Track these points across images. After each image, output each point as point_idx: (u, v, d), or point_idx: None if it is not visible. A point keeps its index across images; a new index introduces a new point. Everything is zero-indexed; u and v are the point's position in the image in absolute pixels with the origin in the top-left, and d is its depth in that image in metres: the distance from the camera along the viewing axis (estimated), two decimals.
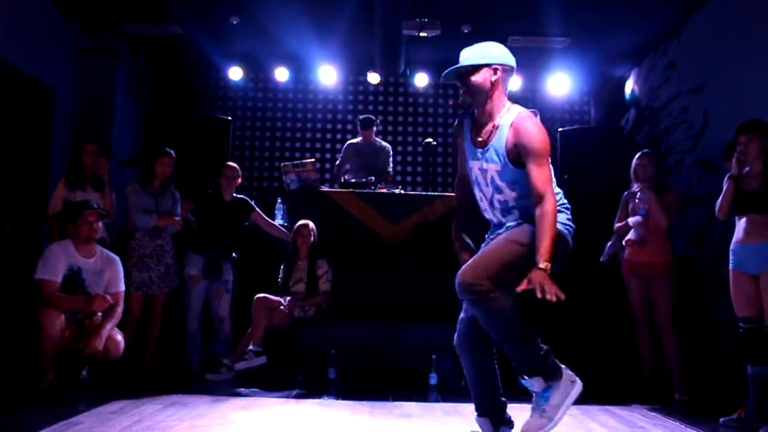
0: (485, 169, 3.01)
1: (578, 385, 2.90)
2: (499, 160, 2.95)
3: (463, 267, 2.88)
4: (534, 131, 2.88)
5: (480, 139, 3.03)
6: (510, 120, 2.94)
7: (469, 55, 3.00)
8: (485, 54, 2.98)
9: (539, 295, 2.72)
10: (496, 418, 3.10)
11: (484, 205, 3.15)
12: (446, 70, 3.00)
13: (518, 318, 2.83)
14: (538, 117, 3.11)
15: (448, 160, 8.35)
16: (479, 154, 3.02)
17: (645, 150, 5.17)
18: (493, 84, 2.96)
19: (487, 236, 3.22)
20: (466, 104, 3.07)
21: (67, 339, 4.39)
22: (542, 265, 2.77)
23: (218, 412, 3.93)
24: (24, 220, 5.55)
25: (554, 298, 2.72)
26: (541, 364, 2.85)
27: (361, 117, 7.15)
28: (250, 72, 8.04)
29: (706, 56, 5.90)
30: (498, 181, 2.99)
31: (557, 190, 3.02)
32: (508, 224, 3.08)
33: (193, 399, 4.27)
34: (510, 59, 3.02)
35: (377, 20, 6.24)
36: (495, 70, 2.96)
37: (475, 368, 3.11)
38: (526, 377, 2.87)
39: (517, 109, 2.99)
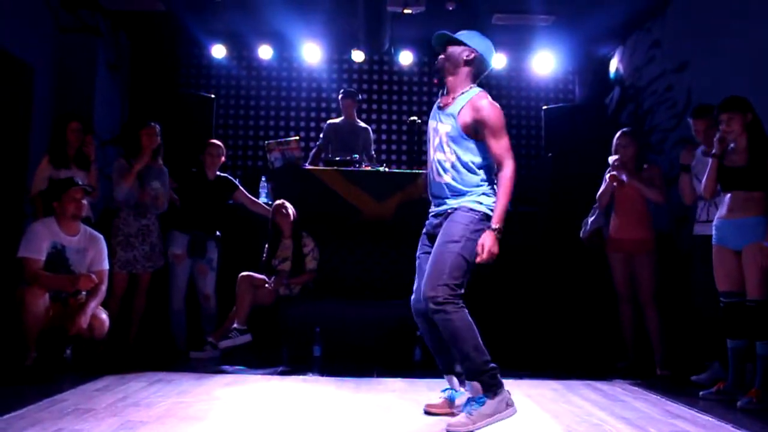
0: (437, 129, 3.36)
1: (512, 411, 3.19)
2: (452, 123, 3.27)
3: (423, 280, 3.22)
4: (489, 108, 3.21)
5: (442, 104, 3.39)
6: (469, 96, 3.27)
7: (463, 33, 3.35)
8: (475, 39, 3.34)
9: (482, 256, 3.10)
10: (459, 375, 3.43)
11: (429, 164, 3.44)
12: (439, 32, 3.34)
13: (471, 327, 3.14)
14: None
15: None
16: (438, 115, 3.39)
17: (625, 129, 5.20)
18: (466, 62, 3.32)
19: (430, 214, 3.45)
20: (440, 69, 3.39)
21: (51, 317, 4.36)
22: (495, 226, 3.14)
23: (203, 388, 3.95)
24: (5, 198, 5.49)
25: (485, 258, 3.11)
26: (483, 373, 3.12)
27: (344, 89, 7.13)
28: (233, 50, 7.96)
29: (690, 34, 5.92)
30: (444, 141, 3.29)
31: (485, 176, 3.31)
32: (441, 207, 3.33)
33: (178, 376, 4.29)
34: (489, 54, 3.38)
35: None
36: (473, 53, 3.32)
37: (434, 335, 3.39)
38: (467, 381, 3.19)
39: (477, 89, 3.32)
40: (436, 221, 3.35)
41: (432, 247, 3.31)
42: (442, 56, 3.34)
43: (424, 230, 3.47)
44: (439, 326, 3.14)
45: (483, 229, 3.17)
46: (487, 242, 3.10)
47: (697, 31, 5.79)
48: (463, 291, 3.17)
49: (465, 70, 3.33)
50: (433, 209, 3.42)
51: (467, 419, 3.08)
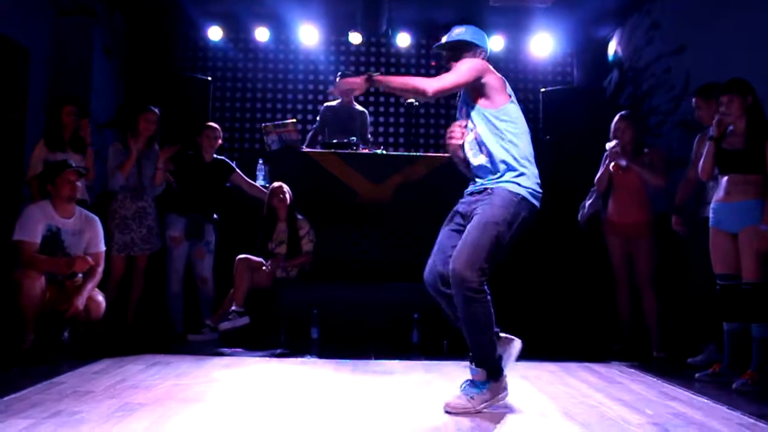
0: (467, 125, 3.36)
1: (506, 393, 3.20)
2: (468, 98, 3.33)
3: (454, 255, 3.09)
4: (467, 59, 3.28)
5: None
6: None
7: (460, 32, 3.36)
8: (481, 37, 3.37)
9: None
10: None
11: (469, 150, 3.35)
12: (448, 39, 3.36)
13: (491, 318, 3.09)
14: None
15: (431, 120, 8.33)
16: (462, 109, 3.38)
17: (623, 113, 5.17)
18: None
19: (466, 193, 3.38)
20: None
21: (47, 300, 4.37)
22: (376, 77, 3.14)
23: (201, 371, 3.96)
24: (2, 181, 5.47)
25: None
26: (491, 361, 3.14)
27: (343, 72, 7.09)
28: (229, 32, 7.92)
29: (689, 16, 5.89)
30: (471, 118, 3.31)
31: (533, 169, 3.26)
32: (482, 183, 3.26)
33: (176, 359, 4.30)
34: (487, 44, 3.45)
35: None
36: (483, 53, 3.37)
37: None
38: (473, 365, 3.15)
39: None
40: (472, 199, 3.27)
41: (464, 226, 3.24)
42: (454, 60, 3.33)
43: (457, 208, 3.36)
44: (462, 310, 3.06)
45: (520, 213, 3.14)
46: (357, 81, 3.14)
47: (696, 12, 5.76)
48: (488, 275, 3.08)
49: None
50: (470, 188, 3.35)
51: (468, 402, 3.09)
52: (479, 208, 3.17)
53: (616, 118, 5.09)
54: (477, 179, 3.30)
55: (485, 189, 3.21)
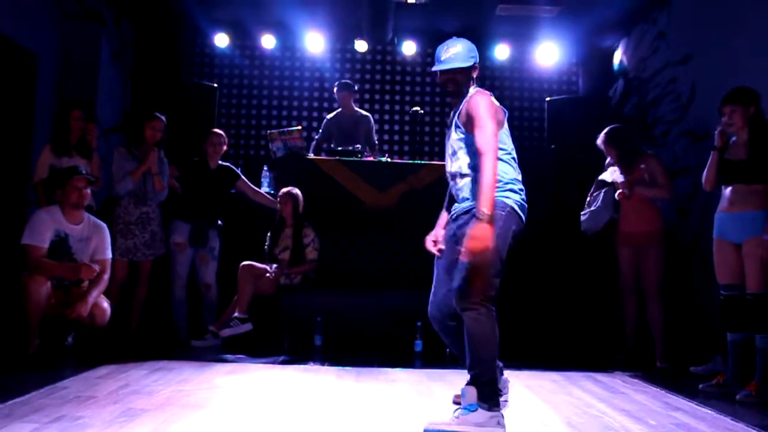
0: (449, 138, 3.33)
1: (501, 429, 2.95)
2: (456, 126, 3.25)
3: (456, 285, 3.00)
4: (474, 98, 3.16)
5: (452, 116, 3.34)
6: (467, 98, 3.24)
7: (457, 53, 3.24)
8: (470, 54, 3.26)
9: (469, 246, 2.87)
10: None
11: (449, 174, 3.33)
12: (442, 66, 3.25)
13: (496, 336, 3.00)
14: (491, 96, 3.28)
15: (435, 129, 8.34)
16: (451, 126, 3.33)
17: (603, 132, 5.15)
18: (472, 79, 3.32)
19: (450, 214, 3.34)
20: (453, 94, 3.31)
21: (53, 305, 4.39)
22: (486, 212, 2.88)
23: (204, 377, 3.97)
24: (8, 185, 5.50)
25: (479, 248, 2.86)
26: (486, 386, 2.98)
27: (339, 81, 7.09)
28: (236, 39, 7.96)
29: (695, 26, 5.89)
30: (456, 149, 3.24)
31: (521, 185, 3.20)
32: (464, 205, 3.19)
33: (179, 365, 4.31)
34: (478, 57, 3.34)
35: None
36: (475, 68, 3.30)
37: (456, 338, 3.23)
38: (467, 385, 3.01)
39: (473, 89, 3.28)
40: (461, 221, 3.16)
41: (452, 252, 3.15)
42: (451, 86, 3.25)
43: (452, 231, 3.25)
44: (466, 325, 2.97)
45: (510, 226, 3.06)
46: (476, 233, 2.86)
47: (702, 22, 5.76)
48: (495, 293, 2.99)
49: (471, 83, 3.29)
50: (454, 212, 3.27)
51: (451, 419, 2.94)
52: (467, 230, 3.02)
53: (598, 140, 5.12)
54: (463, 200, 3.21)
55: (470, 210, 3.08)
